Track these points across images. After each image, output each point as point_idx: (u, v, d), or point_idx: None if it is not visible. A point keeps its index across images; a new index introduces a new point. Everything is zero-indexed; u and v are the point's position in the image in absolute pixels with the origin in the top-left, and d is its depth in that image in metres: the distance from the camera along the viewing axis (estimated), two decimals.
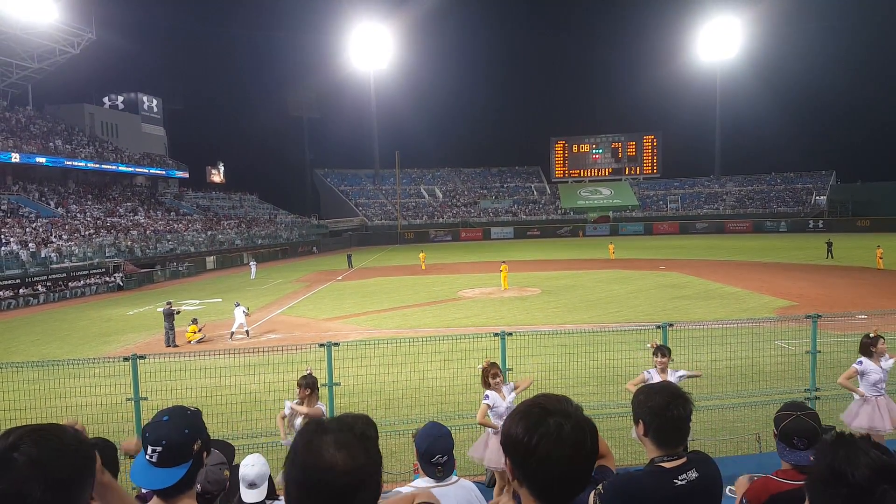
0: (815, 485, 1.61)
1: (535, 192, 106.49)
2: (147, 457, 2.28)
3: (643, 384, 6.49)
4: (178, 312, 21.87)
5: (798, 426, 3.25)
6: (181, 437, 2.29)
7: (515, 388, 7.74)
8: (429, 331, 20.43)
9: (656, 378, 7.55)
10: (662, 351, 7.92)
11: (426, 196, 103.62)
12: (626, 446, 8.54)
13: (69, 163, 60.09)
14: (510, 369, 9.05)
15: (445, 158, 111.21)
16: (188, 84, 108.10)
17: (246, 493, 3.81)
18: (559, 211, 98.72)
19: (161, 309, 22.69)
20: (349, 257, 53.79)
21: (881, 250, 36.47)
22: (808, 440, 3.20)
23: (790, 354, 12.84)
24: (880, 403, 7.61)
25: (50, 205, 54.19)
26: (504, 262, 35.27)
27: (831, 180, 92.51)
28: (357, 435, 1.61)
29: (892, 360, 7.77)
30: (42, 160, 56.90)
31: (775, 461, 3.44)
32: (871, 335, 7.78)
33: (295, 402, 7.29)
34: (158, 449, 2.26)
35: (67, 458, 1.51)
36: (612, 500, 2.64)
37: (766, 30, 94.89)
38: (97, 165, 63.71)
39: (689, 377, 8.23)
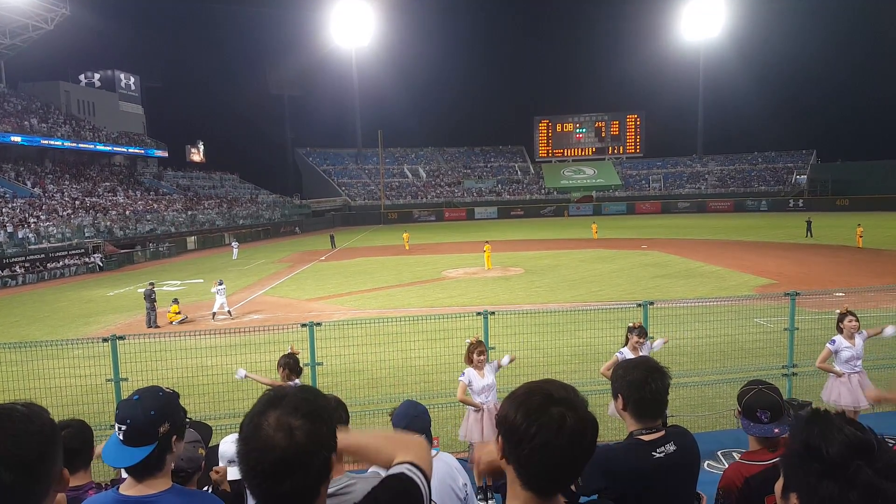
0: (790, 460, 1.62)
1: (518, 172, 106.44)
2: (117, 434, 2.29)
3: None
4: (154, 296, 21.41)
5: (760, 399, 3.29)
6: (146, 417, 2.28)
7: (498, 367, 7.83)
8: (412, 311, 20.46)
9: (629, 356, 7.64)
10: (640, 332, 8.03)
11: (410, 176, 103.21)
12: (605, 423, 8.61)
13: (45, 142, 58.99)
14: (492, 348, 9.10)
15: (429, 138, 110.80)
16: (166, 61, 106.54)
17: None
18: (543, 191, 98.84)
19: (142, 290, 22.49)
20: (332, 237, 53.52)
21: (861, 229, 36.96)
22: (771, 413, 3.24)
23: (769, 332, 13.02)
24: (853, 381, 7.80)
25: (26, 185, 53.26)
26: (488, 241, 35.35)
27: (812, 159, 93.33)
28: (304, 414, 1.58)
29: (864, 334, 7.94)
30: (17, 139, 55.80)
31: None
32: (840, 312, 8.02)
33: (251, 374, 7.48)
34: (123, 427, 2.27)
35: (22, 438, 1.48)
36: (592, 472, 2.67)
37: (749, 9, 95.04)
38: (74, 144, 62.64)
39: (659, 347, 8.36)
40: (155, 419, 2.29)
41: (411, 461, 1.88)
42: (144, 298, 21.22)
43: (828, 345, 7.93)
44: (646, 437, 2.78)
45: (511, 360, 8.10)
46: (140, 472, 2.26)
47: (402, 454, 1.96)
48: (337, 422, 2.64)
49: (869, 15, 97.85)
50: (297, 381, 7.17)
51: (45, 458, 1.53)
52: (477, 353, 7.63)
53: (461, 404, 7.91)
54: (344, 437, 2.07)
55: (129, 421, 2.26)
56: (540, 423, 1.62)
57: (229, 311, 22.08)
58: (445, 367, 10.84)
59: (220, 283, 22.21)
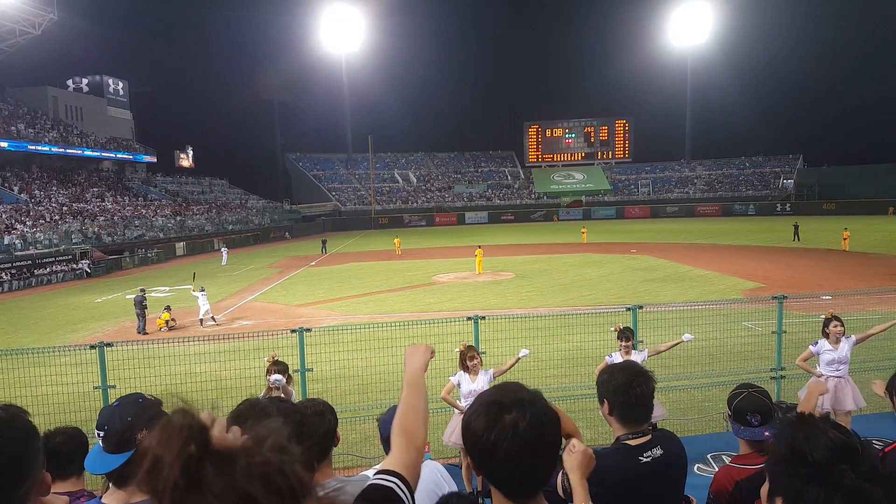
0: (775, 465, 1.63)
1: (508, 177, 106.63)
2: (99, 441, 2.31)
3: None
4: (145, 302, 21.29)
5: (750, 403, 3.32)
6: (123, 424, 2.27)
7: (494, 376, 7.71)
8: (403, 316, 20.41)
9: (619, 361, 7.65)
10: (626, 335, 8.06)
11: (400, 181, 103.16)
12: (596, 427, 8.65)
13: (32, 147, 58.58)
14: (483, 353, 9.09)
15: (419, 143, 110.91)
16: (155, 66, 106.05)
17: None
18: (533, 195, 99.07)
19: (132, 296, 22.32)
20: (324, 242, 53.40)
21: (847, 232, 37.35)
22: (762, 416, 3.27)
23: (757, 335, 13.08)
24: (829, 383, 7.84)
25: (13, 190, 52.80)
26: (478, 246, 35.37)
27: (798, 164, 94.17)
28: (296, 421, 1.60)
29: (852, 339, 8.00)
30: (4, 144, 55.41)
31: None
32: (826, 317, 8.08)
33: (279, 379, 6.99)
34: (101, 433, 2.28)
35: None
36: None
37: (736, 15, 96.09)
38: (62, 150, 62.22)
39: (653, 355, 8.38)
40: (132, 425, 2.27)
41: (396, 470, 1.86)
42: (135, 305, 21.08)
43: (810, 346, 8.04)
44: (632, 442, 2.79)
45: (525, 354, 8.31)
46: (119, 480, 2.25)
47: (395, 452, 1.94)
48: (328, 426, 2.65)
49: (855, 22, 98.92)
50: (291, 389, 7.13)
51: (24, 461, 1.51)
52: (468, 358, 7.59)
53: (452, 410, 7.88)
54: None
55: (106, 427, 2.26)
56: (496, 431, 1.62)
57: (213, 318, 21.93)
58: (436, 372, 10.77)
59: (202, 290, 22.07)
